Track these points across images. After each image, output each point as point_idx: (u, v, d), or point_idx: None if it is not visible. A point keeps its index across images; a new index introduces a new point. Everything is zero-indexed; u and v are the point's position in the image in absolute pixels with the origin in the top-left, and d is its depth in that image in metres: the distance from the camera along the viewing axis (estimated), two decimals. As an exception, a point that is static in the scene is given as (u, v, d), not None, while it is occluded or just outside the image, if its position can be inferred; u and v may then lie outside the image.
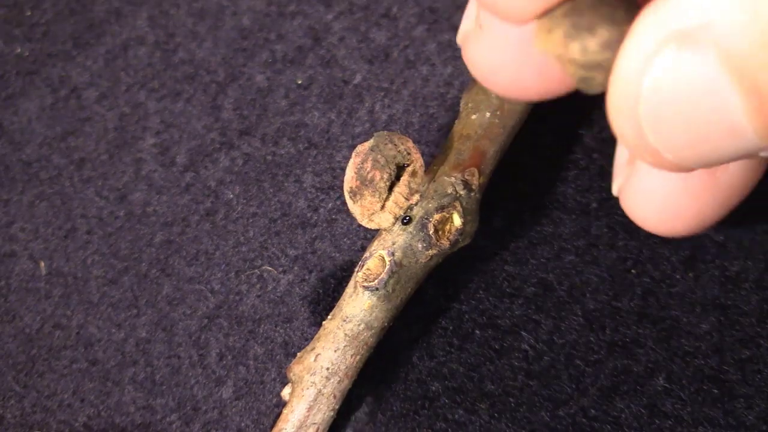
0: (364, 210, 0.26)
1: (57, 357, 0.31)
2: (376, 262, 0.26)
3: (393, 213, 0.26)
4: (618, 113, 0.20)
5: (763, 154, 0.20)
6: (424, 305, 0.30)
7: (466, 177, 0.27)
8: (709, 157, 0.20)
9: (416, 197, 0.27)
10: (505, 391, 0.29)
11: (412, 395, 0.29)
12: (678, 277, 0.30)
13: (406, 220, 0.27)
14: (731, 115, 0.18)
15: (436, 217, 0.27)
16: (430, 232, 0.26)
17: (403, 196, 0.26)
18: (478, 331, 0.30)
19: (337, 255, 0.31)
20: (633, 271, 0.30)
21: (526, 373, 0.29)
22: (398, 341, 0.30)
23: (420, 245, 0.26)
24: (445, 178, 0.27)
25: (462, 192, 0.27)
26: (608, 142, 0.32)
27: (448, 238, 0.27)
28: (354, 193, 0.26)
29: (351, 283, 0.27)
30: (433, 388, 0.29)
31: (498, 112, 0.29)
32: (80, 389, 0.30)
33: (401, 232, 0.27)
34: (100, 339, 0.31)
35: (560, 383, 0.29)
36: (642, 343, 0.29)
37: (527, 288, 0.30)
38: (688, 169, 0.20)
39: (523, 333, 0.29)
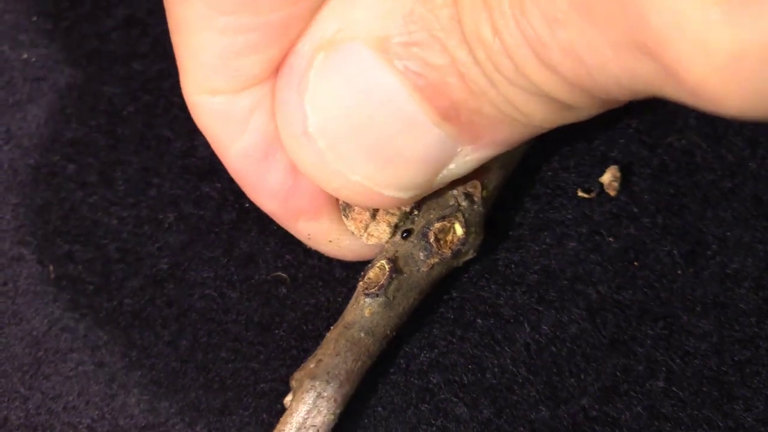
0: (357, 223, 0.27)
1: (63, 359, 0.31)
2: (377, 271, 0.27)
3: (386, 221, 0.27)
4: (291, 144, 0.18)
5: (461, 150, 0.18)
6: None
7: (469, 189, 0.27)
8: (407, 173, 0.18)
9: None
10: (506, 386, 0.29)
11: (412, 388, 0.29)
12: (678, 272, 0.29)
13: (405, 235, 0.27)
14: (400, 99, 0.17)
15: (437, 225, 0.27)
16: (431, 241, 0.27)
17: None
18: (479, 320, 0.30)
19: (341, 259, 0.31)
20: (635, 263, 0.30)
21: (528, 367, 0.29)
22: (398, 331, 0.29)
23: (421, 254, 0.27)
24: (447, 190, 0.27)
25: (464, 204, 0.27)
26: (610, 128, 0.31)
27: (449, 247, 0.27)
28: (344, 209, 0.27)
29: (354, 295, 0.28)
30: (434, 380, 0.29)
31: None
32: (85, 391, 0.30)
33: (403, 242, 0.27)
34: (107, 342, 0.31)
35: (562, 379, 0.29)
36: (642, 341, 0.29)
37: (529, 275, 0.30)
38: (398, 200, 0.19)
39: (525, 324, 0.29)
